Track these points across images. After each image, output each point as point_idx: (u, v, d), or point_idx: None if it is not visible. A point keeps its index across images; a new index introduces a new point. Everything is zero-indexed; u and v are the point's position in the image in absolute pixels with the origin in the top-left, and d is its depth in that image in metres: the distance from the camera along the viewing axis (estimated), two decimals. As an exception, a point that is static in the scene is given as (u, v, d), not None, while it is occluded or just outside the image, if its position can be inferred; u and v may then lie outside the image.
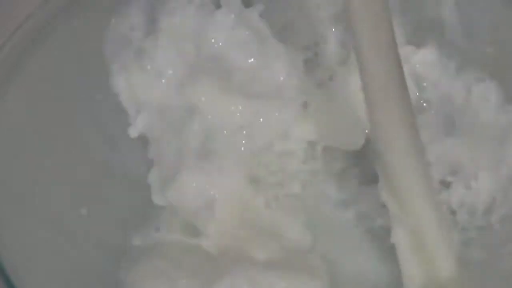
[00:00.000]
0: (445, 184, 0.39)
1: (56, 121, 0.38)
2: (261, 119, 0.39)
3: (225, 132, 0.39)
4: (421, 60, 0.41)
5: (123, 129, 0.40)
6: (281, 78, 0.40)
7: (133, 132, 0.40)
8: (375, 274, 0.39)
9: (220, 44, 0.40)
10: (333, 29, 0.41)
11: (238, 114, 0.39)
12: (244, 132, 0.39)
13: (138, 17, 0.40)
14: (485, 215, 0.39)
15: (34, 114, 0.37)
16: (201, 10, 0.39)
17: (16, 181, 0.35)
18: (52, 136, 0.37)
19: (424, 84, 0.41)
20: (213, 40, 0.40)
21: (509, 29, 0.41)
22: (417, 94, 0.41)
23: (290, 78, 0.40)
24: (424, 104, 0.41)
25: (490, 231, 0.39)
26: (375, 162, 0.35)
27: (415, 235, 0.35)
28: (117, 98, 0.40)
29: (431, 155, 0.38)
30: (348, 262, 0.39)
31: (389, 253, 0.37)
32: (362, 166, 0.41)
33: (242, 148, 0.39)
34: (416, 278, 0.36)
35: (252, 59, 0.40)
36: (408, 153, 0.34)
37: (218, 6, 0.40)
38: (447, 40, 0.42)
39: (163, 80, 0.39)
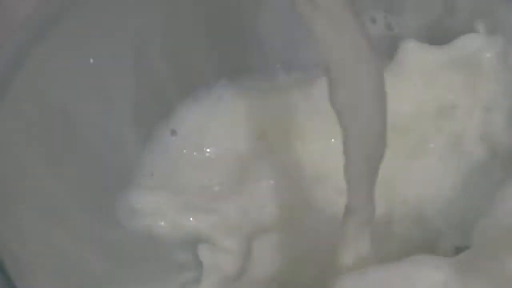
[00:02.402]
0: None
1: (58, 119, 0.38)
2: None
3: None
4: None
5: (123, 128, 0.41)
6: None
7: None
8: None
9: None
10: None
11: None
12: None
13: None
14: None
15: (35, 112, 0.37)
16: None
17: (17, 179, 0.35)
18: (53, 136, 0.38)
19: None
20: None
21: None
22: None
23: None
24: None
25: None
26: None
27: None
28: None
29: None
30: None
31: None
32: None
33: None
34: None
35: None
36: None
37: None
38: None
39: None
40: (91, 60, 0.39)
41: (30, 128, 0.36)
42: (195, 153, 0.43)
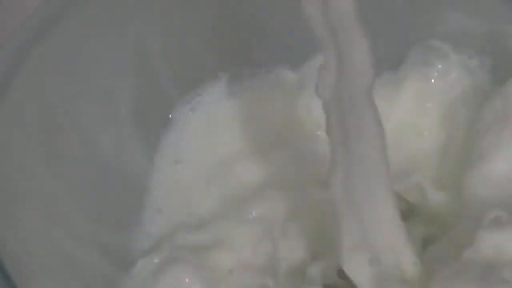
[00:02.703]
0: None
1: (58, 119, 0.38)
2: None
3: None
4: None
5: (124, 127, 0.41)
6: None
7: None
8: None
9: None
10: None
11: None
12: None
13: None
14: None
15: (35, 112, 0.37)
16: None
17: (17, 179, 0.35)
18: (53, 135, 0.38)
19: None
20: None
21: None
22: None
23: None
24: None
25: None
26: None
27: None
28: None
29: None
30: None
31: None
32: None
33: None
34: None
35: None
36: None
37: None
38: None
39: None
40: (91, 60, 0.39)
41: (30, 128, 0.36)
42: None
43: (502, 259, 0.33)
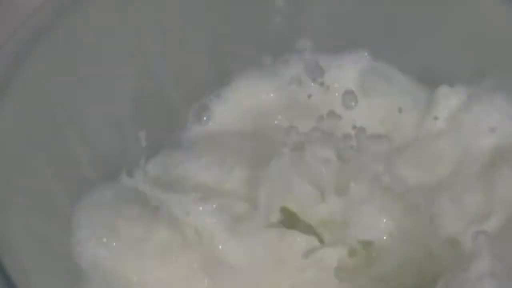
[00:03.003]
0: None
1: (58, 119, 0.38)
2: None
3: None
4: None
5: (124, 129, 0.41)
6: None
7: None
8: None
9: None
10: None
11: None
12: None
13: None
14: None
15: (35, 112, 0.37)
16: None
17: (17, 179, 0.35)
18: (53, 135, 0.38)
19: None
20: None
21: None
22: None
23: None
24: None
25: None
26: None
27: None
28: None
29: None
30: None
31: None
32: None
33: None
34: None
35: None
36: None
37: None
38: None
39: None
40: (91, 60, 0.39)
41: (30, 128, 0.36)
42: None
43: None
